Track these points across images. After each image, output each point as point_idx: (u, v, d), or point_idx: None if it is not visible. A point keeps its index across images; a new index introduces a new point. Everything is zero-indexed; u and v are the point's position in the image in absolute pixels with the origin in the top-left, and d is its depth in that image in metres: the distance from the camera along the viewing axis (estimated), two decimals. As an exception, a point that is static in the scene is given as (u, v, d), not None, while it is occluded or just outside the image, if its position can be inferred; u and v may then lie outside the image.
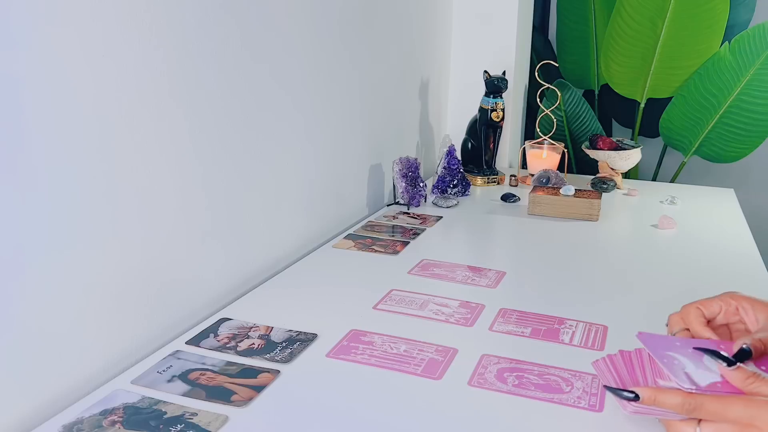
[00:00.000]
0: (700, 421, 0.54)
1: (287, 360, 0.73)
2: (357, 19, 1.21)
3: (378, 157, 1.38)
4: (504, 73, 1.52)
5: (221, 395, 0.66)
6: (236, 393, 0.66)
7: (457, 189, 1.45)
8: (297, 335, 0.79)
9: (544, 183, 1.45)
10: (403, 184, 1.33)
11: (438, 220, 1.28)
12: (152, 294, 0.77)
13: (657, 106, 2.08)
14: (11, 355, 0.60)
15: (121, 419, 0.61)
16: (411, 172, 1.34)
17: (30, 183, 0.59)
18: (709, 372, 0.57)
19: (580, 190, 1.34)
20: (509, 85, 1.63)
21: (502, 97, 1.53)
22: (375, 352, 0.75)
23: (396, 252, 1.10)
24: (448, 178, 1.45)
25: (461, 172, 1.46)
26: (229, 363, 0.72)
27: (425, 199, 1.39)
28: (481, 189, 1.54)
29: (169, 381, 0.68)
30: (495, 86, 1.50)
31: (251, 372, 0.70)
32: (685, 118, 1.97)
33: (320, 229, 1.17)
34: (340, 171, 1.22)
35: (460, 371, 0.71)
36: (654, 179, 2.21)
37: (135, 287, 0.74)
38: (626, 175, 1.87)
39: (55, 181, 0.62)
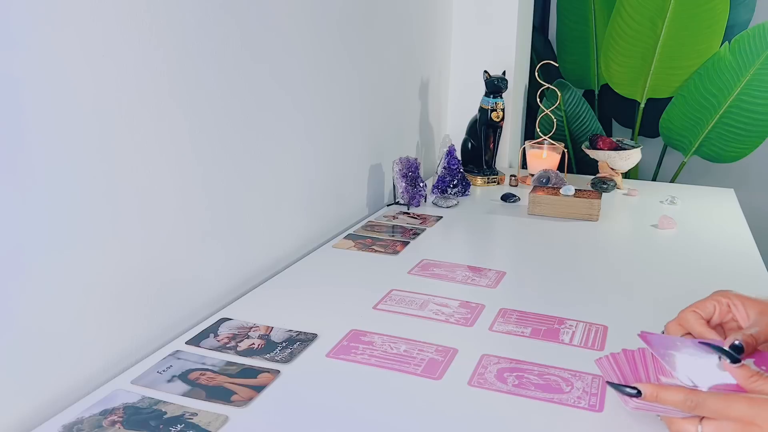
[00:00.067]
0: (702, 418, 0.54)
1: (287, 360, 0.73)
2: (357, 19, 1.21)
3: (378, 157, 1.38)
4: (504, 73, 1.52)
5: (221, 395, 0.66)
6: (236, 393, 0.66)
7: (457, 189, 1.45)
8: (297, 335, 0.79)
9: (544, 183, 1.45)
10: (403, 184, 1.33)
11: (438, 220, 1.28)
12: (152, 294, 0.77)
13: (657, 106, 2.08)
14: (11, 355, 0.60)
15: (121, 419, 0.61)
16: (411, 172, 1.34)
17: (30, 183, 0.59)
18: (711, 371, 0.57)
19: (580, 190, 1.34)
20: (509, 85, 1.63)
21: (502, 97, 1.53)
22: (375, 352, 0.75)
23: (396, 252, 1.10)
24: (448, 178, 1.45)
25: (461, 172, 1.46)
26: (229, 363, 0.72)
27: (425, 199, 1.39)
28: (481, 189, 1.54)
29: (169, 381, 0.68)
30: (495, 86, 1.50)
31: (251, 372, 0.70)
32: (685, 118, 1.97)
33: (320, 229, 1.17)
34: (340, 171, 1.22)
35: (460, 371, 0.71)
36: (654, 179, 2.21)
37: (135, 287, 0.74)
38: (626, 175, 1.87)
39: (55, 181, 0.62)
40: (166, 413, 0.62)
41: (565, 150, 1.60)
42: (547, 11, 2.52)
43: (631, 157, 1.57)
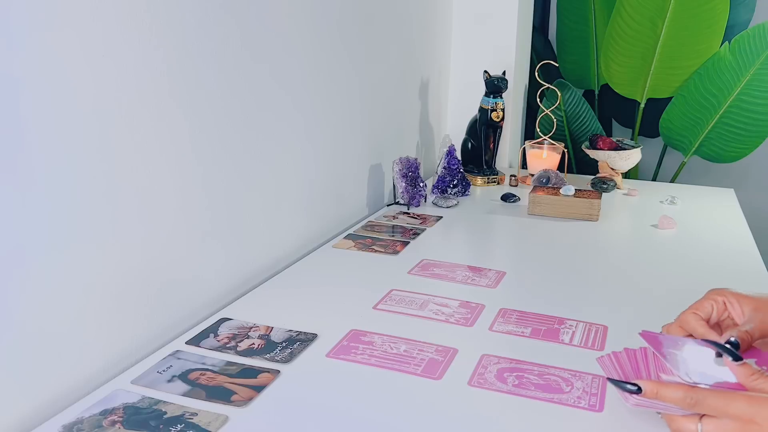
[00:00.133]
0: (702, 416, 0.54)
1: (287, 360, 0.73)
2: (357, 19, 1.21)
3: (378, 157, 1.38)
4: (504, 73, 1.52)
5: (221, 395, 0.66)
6: (236, 393, 0.66)
7: (457, 189, 1.45)
8: (297, 335, 0.79)
9: (544, 183, 1.45)
10: (403, 184, 1.33)
11: (438, 220, 1.28)
12: (152, 294, 0.77)
13: (657, 106, 2.08)
14: (11, 355, 0.60)
15: (121, 419, 0.61)
16: (411, 172, 1.34)
17: (30, 183, 0.59)
18: (712, 369, 0.57)
19: (580, 190, 1.34)
20: (509, 85, 1.63)
21: (502, 97, 1.53)
22: (375, 352, 0.75)
23: (396, 252, 1.10)
24: (448, 178, 1.45)
25: (461, 172, 1.46)
26: (229, 363, 0.72)
27: (425, 199, 1.39)
28: (481, 189, 1.54)
29: (169, 381, 0.68)
30: (495, 86, 1.50)
31: (251, 372, 0.70)
32: (685, 118, 1.97)
33: (320, 229, 1.17)
34: (340, 171, 1.22)
35: (460, 371, 0.71)
36: (654, 179, 2.21)
37: (135, 287, 0.74)
38: (626, 175, 1.87)
39: (55, 181, 0.62)
40: (166, 413, 0.62)
41: (565, 150, 1.60)
42: (547, 11, 2.52)
43: (631, 157, 1.57)
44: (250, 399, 0.65)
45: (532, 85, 2.03)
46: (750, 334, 0.60)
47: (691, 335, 0.65)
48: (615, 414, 0.64)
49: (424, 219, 1.28)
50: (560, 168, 1.63)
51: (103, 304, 0.70)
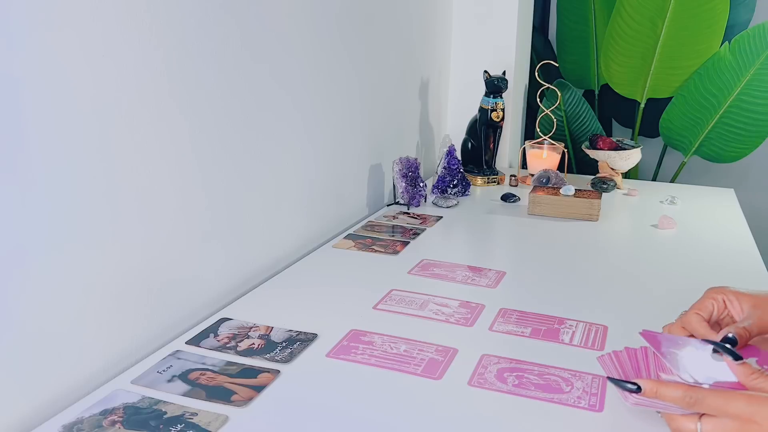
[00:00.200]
0: (701, 415, 0.54)
1: (287, 360, 0.73)
2: (357, 19, 1.21)
3: (378, 157, 1.38)
4: (504, 73, 1.52)
5: (221, 395, 0.66)
6: (236, 393, 0.66)
7: (457, 189, 1.45)
8: (297, 335, 0.79)
9: (544, 183, 1.45)
10: (403, 184, 1.33)
11: (438, 220, 1.28)
12: (152, 294, 0.77)
13: (657, 106, 2.08)
14: (11, 355, 0.60)
15: (121, 419, 0.61)
16: (411, 172, 1.34)
17: (30, 183, 0.59)
18: (712, 368, 0.57)
19: (580, 190, 1.35)
20: (509, 85, 1.63)
21: (502, 97, 1.53)
22: (375, 352, 0.75)
23: (396, 252, 1.10)
24: (448, 178, 1.45)
25: (461, 172, 1.46)
26: (229, 363, 0.72)
27: (425, 199, 1.39)
28: (481, 189, 1.54)
29: (169, 381, 0.68)
30: (495, 86, 1.50)
31: (251, 372, 0.70)
32: (685, 118, 1.97)
33: (320, 229, 1.17)
34: (340, 171, 1.22)
35: (460, 371, 0.71)
36: (654, 179, 2.21)
37: (135, 287, 0.74)
38: (626, 175, 1.87)
39: (55, 181, 0.62)
40: (166, 413, 0.62)
41: (565, 150, 1.60)
42: (547, 11, 2.52)
43: (631, 157, 1.57)
44: (250, 399, 0.65)
45: (532, 85, 2.03)
46: (748, 331, 0.60)
47: (692, 335, 0.65)
48: (615, 414, 0.64)
49: (424, 219, 1.28)
50: (560, 168, 1.63)
51: (103, 304, 0.70)
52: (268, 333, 0.79)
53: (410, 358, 0.74)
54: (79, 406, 0.64)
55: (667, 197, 1.47)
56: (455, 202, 1.39)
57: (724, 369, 0.57)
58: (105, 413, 0.62)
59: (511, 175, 1.58)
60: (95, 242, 0.68)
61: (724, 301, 0.66)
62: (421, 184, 1.36)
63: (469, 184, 1.47)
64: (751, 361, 0.58)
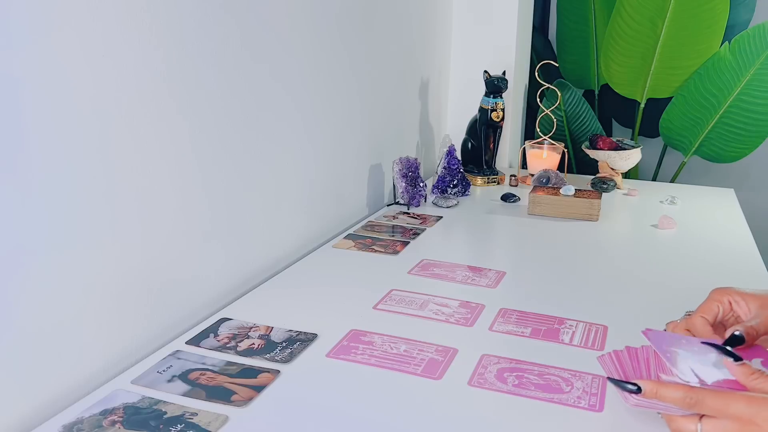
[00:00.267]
0: (701, 416, 0.54)
1: (287, 360, 0.73)
2: (357, 19, 1.21)
3: (378, 157, 1.38)
4: (504, 73, 1.52)
5: (221, 395, 0.66)
6: (236, 393, 0.66)
7: (457, 189, 1.45)
8: (297, 335, 0.79)
9: (544, 183, 1.45)
10: (403, 184, 1.33)
11: (438, 220, 1.28)
12: (152, 294, 0.77)
13: (657, 106, 2.08)
14: (11, 355, 0.60)
15: (121, 419, 0.61)
16: (411, 172, 1.34)
17: (30, 183, 0.59)
18: (713, 369, 0.57)
19: (580, 190, 1.34)
20: (509, 85, 1.63)
21: (502, 97, 1.53)
22: (375, 352, 0.75)
23: (396, 252, 1.09)
24: (448, 178, 1.45)
25: (461, 172, 1.46)
26: (229, 363, 0.72)
27: (425, 199, 1.39)
28: (481, 189, 1.54)
29: (169, 381, 0.68)
30: (495, 86, 1.50)
31: (251, 372, 0.70)
32: (685, 118, 1.97)
33: (320, 229, 1.17)
34: (340, 171, 1.22)
35: (460, 371, 0.71)
36: (654, 179, 2.21)
37: (135, 287, 0.74)
38: (626, 175, 1.87)
39: (54, 181, 0.62)
40: (166, 413, 0.62)
41: (565, 150, 1.60)
42: (547, 11, 2.52)
43: (631, 157, 1.57)
44: (250, 399, 0.65)
45: (532, 85, 2.03)
46: (755, 329, 0.60)
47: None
48: (615, 414, 0.64)
49: (424, 219, 1.28)
50: (560, 168, 1.63)
51: (103, 304, 0.70)
52: (268, 333, 0.79)
53: (410, 358, 0.74)
54: (79, 406, 0.64)
55: (667, 197, 1.47)
56: (455, 202, 1.39)
57: (725, 369, 0.57)
58: (105, 413, 0.62)
59: (511, 175, 1.58)
60: (95, 242, 0.68)
61: (729, 303, 0.66)
62: (421, 184, 1.36)
63: (469, 184, 1.47)
64: (756, 361, 0.58)
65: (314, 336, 0.79)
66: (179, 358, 0.73)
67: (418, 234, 1.19)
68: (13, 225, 0.58)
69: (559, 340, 0.79)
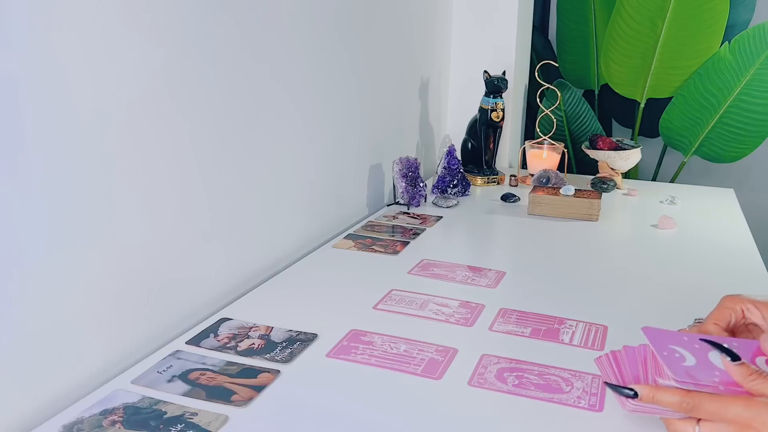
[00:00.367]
0: (699, 420, 0.54)
1: (287, 360, 0.73)
2: (357, 20, 1.21)
3: (378, 157, 1.38)
4: (504, 73, 1.52)
5: (221, 395, 0.66)
6: (236, 393, 0.66)
7: (457, 189, 1.45)
8: (297, 335, 0.79)
9: (544, 183, 1.45)
10: (403, 184, 1.33)
11: (438, 220, 1.28)
12: (152, 294, 0.77)
13: (657, 106, 2.08)
14: (11, 355, 0.60)
15: (121, 419, 0.61)
16: (411, 172, 1.34)
17: (30, 183, 0.59)
18: (712, 369, 0.57)
19: (580, 190, 1.34)
20: (509, 85, 1.63)
21: (502, 97, 1.53)
22: (375, 352, 0.75)
23: (396, 252, 1.10)
24: (448, 178, 1.45)
25: (461, 172, 1.46)
26: (229, 363, 0.72)
27: (425, 199, 1.39)
28: (481, 189, 1.54)
29: (169, 381, 0.68)
30: (495, 86, 1.50)
31: (251, 372, 0.70)
32: (685, 118, 1.98)
33: (320, 229, 1.17)
34: (340, 171, 1.22)
35: (460, 371, 0.71)
36: (654, 179, 2.21)
37: (135, 287, 0.74)
38: (626, 175, 1.87)
39: (54, 181, 0.62)
40: (166, 413, 0.62)
41: (565, 150, 1.60)
42: (547, 11, 2.52)
43: (631, 157, 1.57)
44: (250, 399, 0.65)
45: (532, 85, 2.03)
46: None
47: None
48: (615, 414, 0.64)
49: (424, 219, 1.29)
50: (560, 168, 1.63)
51: (103, 304, 0.70)
52: (268, 333, 0.79)
53: (410, 358, 0.74)
54: (79, 406, 0.64)
55: (667, 197, 1.47)
56: (455, 202, 1.39)
57: (724, 369, 0.56)
58: (105, 413, 0.62)
59: (511, 175, 1.58)
60: (95, 242, 0.68)
61: (742, 311, 0.65)
62: (421, 184, 1.36)
63: (469, 184, 1.47)
64: (761, 360, 0.58)
65: (314, 336, 0.79)
66: (179, 358, 0.73)
67: (418, 234, 1.19)
68: (13, 225, 0.58)
69: (559, 340, 0.79)
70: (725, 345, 0.57)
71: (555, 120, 1.88)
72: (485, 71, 1.52)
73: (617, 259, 1.10)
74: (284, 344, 0.76)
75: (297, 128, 1.05)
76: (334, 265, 1.04)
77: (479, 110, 1.55)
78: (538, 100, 1.78)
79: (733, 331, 0.66)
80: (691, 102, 1.94)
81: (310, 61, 1.06)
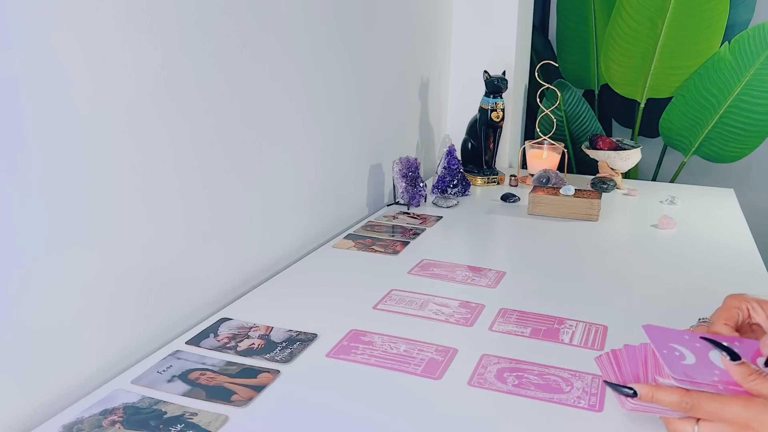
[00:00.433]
0: (699, 419, 0.54)
1: (287, 360, 0.73)
2: (357, 19, 1.21)
3: (378, 157, 1.38)
4: (504, 73, 1.52)
5: (221, 395, 0.66)
6: (236, 393, 0.66)
7: (457, 189, 1.45)
8: (297, 335, 0.79)
9: (544, 183, 1.45)
10: (403, 184, 1.33)
11: (438, 220, 1.28)
12: (152, 294, 0.77)
13: (657, 106, 2.08)
14: (11, 355, 0.60)
15: (121, 419, 0.61)
16: (411, 172, 1.34)
17: (30, 183, 0.59)
18: (712, 368, 0.57)
19: (580, 190, 1.35)
20: (509, 85, 1.63)
21: (502, 97, 1.53)
22: (375, 352, 0.75)
23: (396, 252, 1.10)
24: (448, 178, 1.45)
25: (461, 172, 1.46)
26: (229, 363, 0.72)
27: (425, 199, 1.39)
28: (481, 189, 1.54)
29: (169, 381, 0.68)
30: (495, 86, 1.50)
31: (251, 372, 0.70)
32: (685, 118, 1.98)
33: (320, 229, 1.17)
34: (340, 171, 1.22)
35: (460, 371, 0.71)
36: (654, 179, 2.21)
37: (135, 287, 0.74)
38: (626, 175, 1.87)
39: (54, 181, 0.62)
40: (166, 413, 0.62)
41: (565, 150, 1.60)
42: (547, 11, 2.52)
43: (631, 157, 1.57)
44: (250, 399, 0.65)
45: (532, 85, 2.03)
46: None
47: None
48: (615, 414, 0.64)
49: (424, 219, 1.29)
50: (560, 168, 1.63)
51: (103, 304, 0.70)
52: (268, 333, 0.79)
53: (410, 358, 0.74)
54: (79, 406, 0.64)
55: (667, 197, 1.47)
56: (455, 202, 1.39)
57: (724, 368, 0.56)
58: (105, 413, 0.62)
59: (511, 175, 1.58)
60: (95, 242, 0.68)
61: (748, 310, 0.65)
62: (421, 184, 1.36)
63: (469, 184, 1.47)
64: (762, 361, 0.58)
65: (314, 336, 0.79)
66: (179, 358, 0.73)
67: (418, 234, 1.19)
68: (13, 225, 0.58)
69: (559, 340, 0.79)
70: (725, 344, 0.57)
71: (555, 120, 1.88)
72: (485, 71, 1.52)
73: (617, 259, 1.10)
74: (284, 344, 0.76)
75: (297, 128, 1.05)
76: (334, 265, 1.04)
77: (479, 110, 1.55)
78: (538, 100, 1.78)
79: (738, 331, 0.66)
80: (691, 102, 1.94)
81: (310, 61, 1.06)
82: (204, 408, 0.63)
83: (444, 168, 1.45)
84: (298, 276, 0.99)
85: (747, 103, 1.89)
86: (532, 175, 1.58)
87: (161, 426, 0.60)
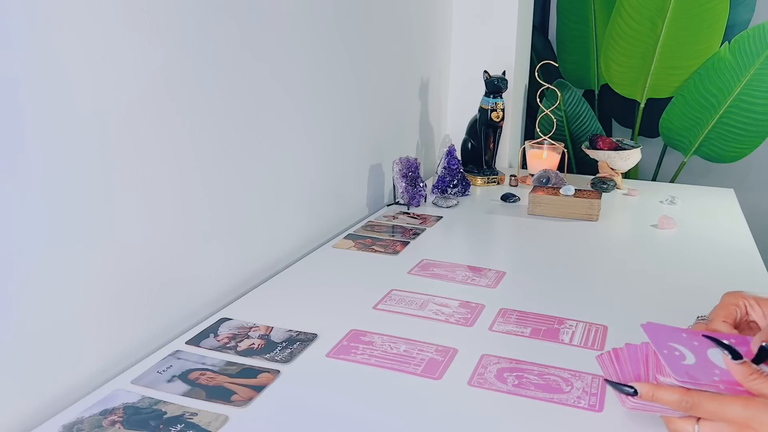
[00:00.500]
0: (699, 418, 0.54)
1: (287, 360, 0.73)
2: (357, 19, 1.21)
3: (378, 157, 1.38)
4: (504, 73, 1.52)
5: (221, 395, 0.66)
6: (236, 393, 0.66)
7: (457, 189, 1.45)
8: (297, 335, 0.79)
9: (544, 183, 1.45)
10: (403, 184, 1.33)
11: (438, 220, 1.28)
12: (152, 294, 0.77)
13: (657, 106, 2.08)
14: (11, 355, 0.60)
15: (121, 419, 0.61)
16: (411, 172, 1.34)
17: (30, 183, 0.59)
18: (712, 367, 0.57)
19: (580, 190, 1.35)
20: (509, 85, 1.63)
21: (502, 97, 1.53)
22: (375, 352, 0.75)
23: (396, 252, 1.09)
24: (448, 178, 1.45)
25: (461, 172, 1.46)
26: (229, 363, 0.72)
27: (425, 199, 1.39)
28: (481, 189, 1.54)
29: (169, 381, 0.68)
30: (495, 86, 1.50)
31: (251, 372, 0.70)
32: (685, 118, 1.98)
33: (320, 229, 1.17)
34: (340, 171, 1.22)
35: (460, 371, 0.71)
36: (654, 179, 2.21)
37: (135, 287, 0.74)
38: (626, 175, 1.87)
39: (54, 181, 0.62)
40: (166, 413, 0.62)
41: (565, 150, 1.60)
42: (547, 11, 2.52)
43: (631, 157, 1.57)
44: (250, 399, 0.65)
45: (532, 85, 2.03)
46: None
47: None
48: (615, 414, 0.64)
49: (424, 219, 1.28)
50: (560, 168, 1.63)
51: (103, 304, 0.70)
52: (268, 333, 0.79)
53: (410, 358, 0.74)
54: (79, 406, 0.64)
55: (667, 197, 1.47)
56: (455, 202, 1.39)
57: (725, 367, 0.56)
58: (105, 413, 0.62)
59: (511, 175, 1.58)
60: (95, 242, 0.68)
61: (745, 307, 0.65)
62: (421, 184, 1.36)
63: (469, 184, 1.47)
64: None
65: (314, 336, 0.79)
66: (179, 358, 0.73)
67: (418, 234, 1.19)
68: (13, 225, 0.58)
69: (559, 340, 0.79)
70: (727, 342, 0.57)
71: (555, 120, 1.88)
72: (485, 71, 1.52)
73: (617, 259, 1.10)
74: (284, 344, 0.76)
75: (297, 128, 1.05)
76: (334, 265, 1.04)
77: (479, 110, 1.55)
78: (538, 100, 1.78)
79: (736, 328, 0.66)
80: (691, 102, 1.94)
81: (310, 61, 1.06)
82: (204, 408, 0.63)
83: (444, 168, 1.45)
84: (298, 276, 0.99)
85: (747, 103, 1.89)
86: (532, 175, 1.58)
87: (161, 426, 0.60)
